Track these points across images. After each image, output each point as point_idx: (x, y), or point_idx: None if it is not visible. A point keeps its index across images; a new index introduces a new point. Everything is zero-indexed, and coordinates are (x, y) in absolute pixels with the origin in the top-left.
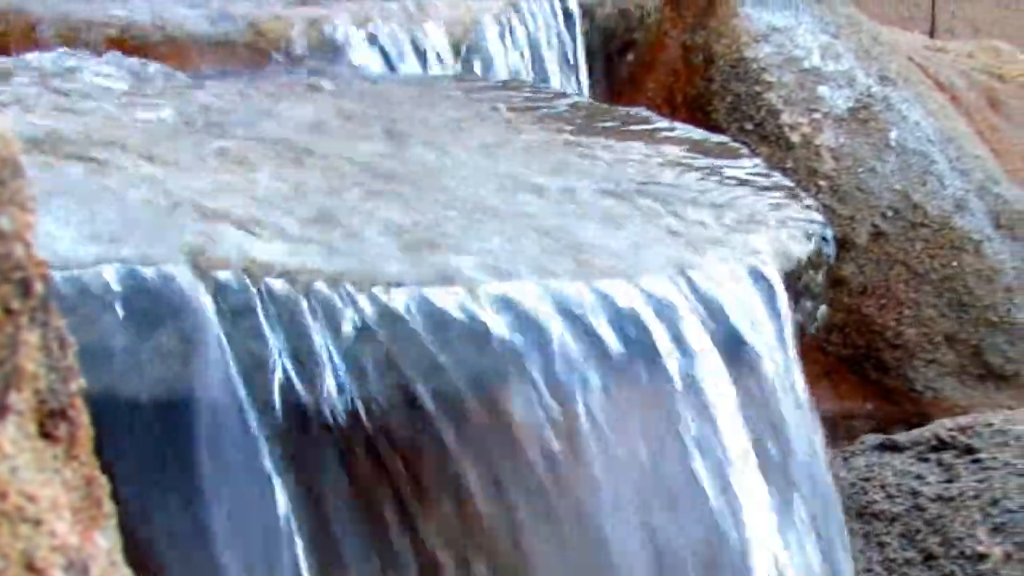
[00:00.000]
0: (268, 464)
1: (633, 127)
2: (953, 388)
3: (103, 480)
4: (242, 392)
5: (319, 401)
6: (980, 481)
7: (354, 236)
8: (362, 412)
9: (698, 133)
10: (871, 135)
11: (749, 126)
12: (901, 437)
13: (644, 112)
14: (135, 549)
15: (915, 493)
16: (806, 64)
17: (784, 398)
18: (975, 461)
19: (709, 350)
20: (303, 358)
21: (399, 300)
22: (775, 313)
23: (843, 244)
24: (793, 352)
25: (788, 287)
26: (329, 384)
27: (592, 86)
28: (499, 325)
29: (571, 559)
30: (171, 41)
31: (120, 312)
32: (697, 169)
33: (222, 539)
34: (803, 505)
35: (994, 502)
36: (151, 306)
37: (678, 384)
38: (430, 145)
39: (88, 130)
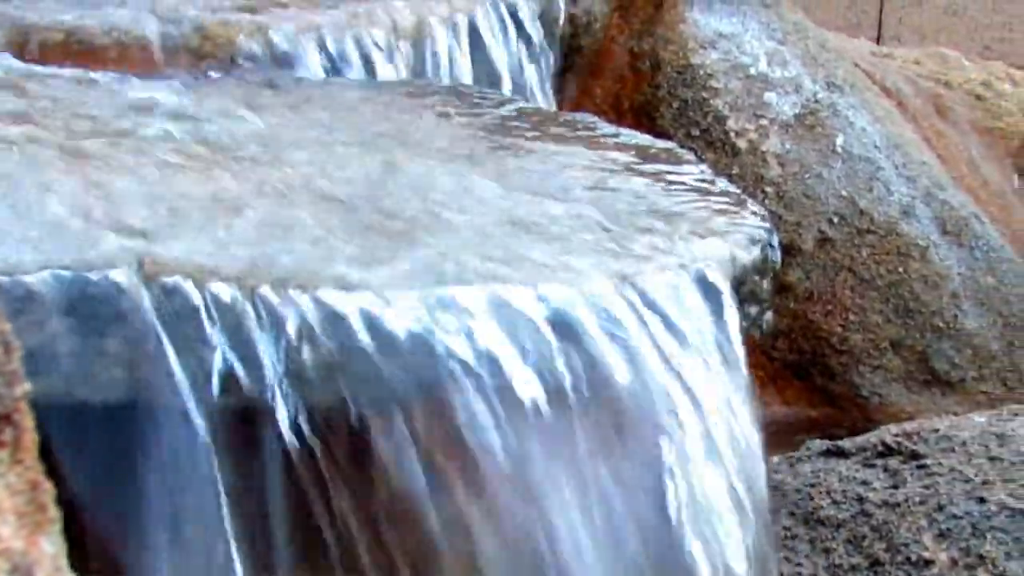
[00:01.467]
0: (212, 469)
1: (580, 133)
2: (899, 394)
3: (48, 485)
4: (186, 397)
5: (263, 406)
6: (926, 487)
7: (299, 242)
8: (305, 418)
9: (644, 139)
10: (817, 141)
11: (695, 132)
12: (847, 443)
13: (591, 118)
14: (81, 553)
15: (861, 499)
16: (753, 70)
17: (730, 402)
18: (921, 467)
19: (653, 356)
20: (248, 363)
21: (343, 306)
22: (721, 319)
23: (789, 250)
24: (742, 356)
25: (734, 293)
26: (273, 389)
27: (539, 92)
28: (442, 331)
29: (516, 565)
30: (118, 46)
31: (65, 317)
32: (643, 175)
33: (166, 543)
34: (745, 509)
35: (940, 508)
36: (96, 311)
37: (622, 389)
38: (374, 151)
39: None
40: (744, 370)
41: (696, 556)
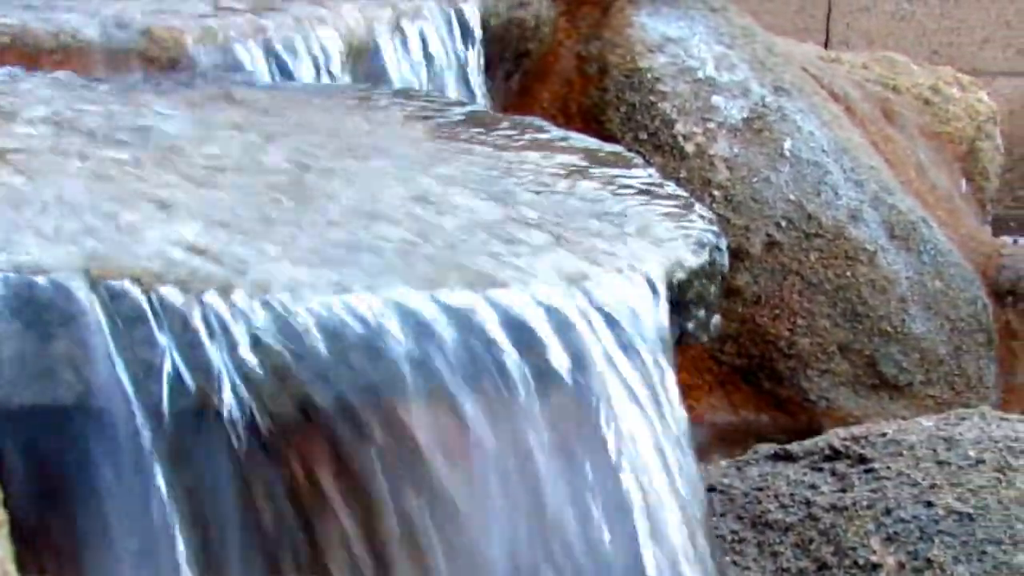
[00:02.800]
0: (160, 473)
1: (527, 136)
2: (847, 398)
3: None
4: (134, 401)
5: (212, 410)
6: (873, 491)
7: (246, 245)
8: (256, 422)
9: (592, 143)
10: (765, 145)
11: (643, 136)
12: (795, 447)
13: (539, 122)
14: (28, 556)
15: (809, 503)
16: (700, 74)
17: (663, 408)
18: (868, 471)
19: (602, 359)
20: (196, 367)
21: (292, 309)
22: (660, 322)
23: (737, 254)
24: (670, 362)
25: (681, 296)
26: (223, 393)
27: (487, 96)
28: (393, 335)
29: (468, 565)
30: (65, 49)
31: (10, 320)
32: (591, 179)
33: (113, 547)
34: (679, 512)
35: (887, 512)
36: (42, 315)
37: (571, 393)
38: (322, 155)
39: None
40: (671, 373)
41: (646, 556)
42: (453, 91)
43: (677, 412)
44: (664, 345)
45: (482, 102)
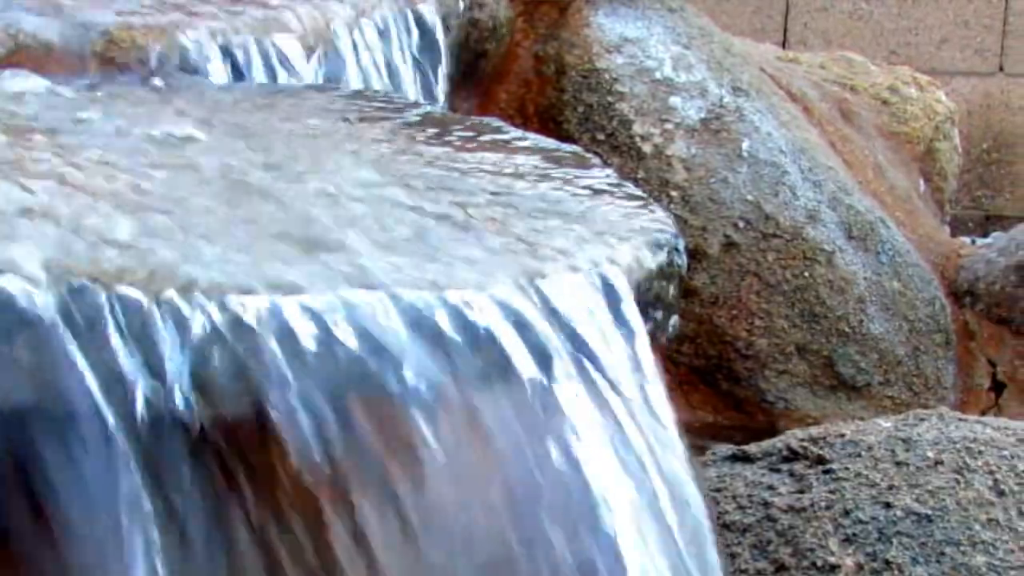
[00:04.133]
0: (121, 474)
1: (485, 137)
2: (804, 399)
3: None
4: (93, 402)
5: (170, 411)
6: (832, 492)
7: (204, 246)
8: (213, 423)
9: (550, 143)
10: (723, 146)
11: (601, 136)
12: (752, 448)
13: (496, 122)
14: None
15: (767, 504)
16: (658, 75)
17: (639, 409)
18: (827, 472)
19: (560, 361)
20: (154, 367)
21: (250, 309)
22: (624, 323)
23: (695, 254)
24: (649, 361)
25: (639, 297)
26: (180, 394)
27: (445, 96)
28: (348, 336)
29: (425, 568)
30: (24, 50)
31: None
32: (548, 179)
33: (73, 550)
34: (667, 514)
35: (846, 513)
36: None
37: (529, 395)
38: (278, 156)
39: None
40: (651, 371)
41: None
42: (412, 92)
43: (642, 411)
44: (627, 345)
45: (441, 103)
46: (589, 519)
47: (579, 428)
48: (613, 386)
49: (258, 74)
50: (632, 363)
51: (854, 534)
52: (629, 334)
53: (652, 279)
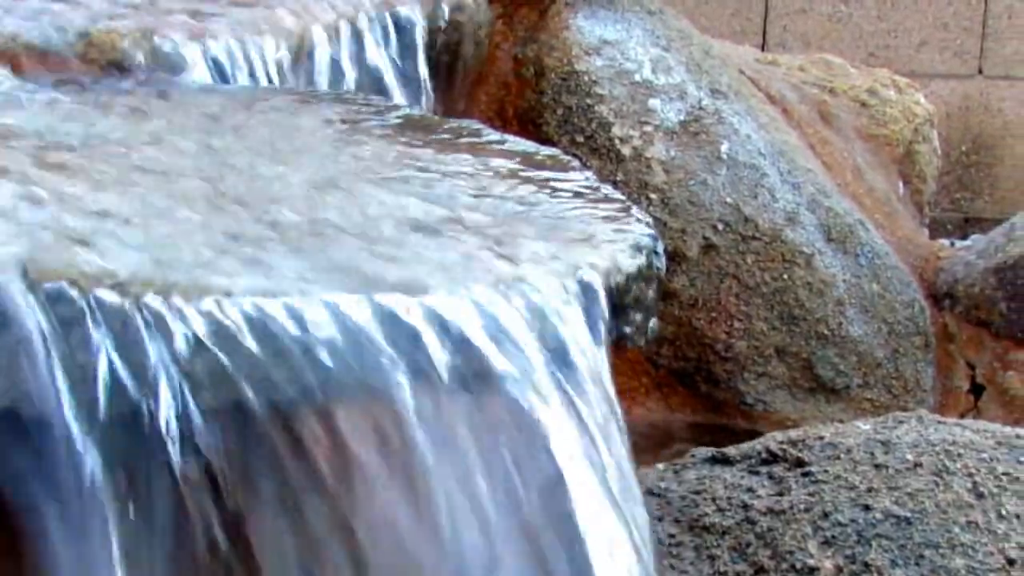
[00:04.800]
0: (98, 478)
1: (464, 140)
2: (784, 401)
3: None
4: (71, 405)
5: (150, 414)
6: (811, 494)
7: (185, 249)
8: (194, 426)
9: (529, 146)
10: (702, 148)
11: (580, 139)
12: (732, 450)
13: (476, 125)
14: None
15: (746, 506)
16: (637, 77)
17: (602, 411)
18: (806, 474)
19: (539, 364)
20: (134, 370)
21: (230, 312)
22: (597, 326)
23: (674, 257)
24: (606, 364)
25: (619, 300)
26: (161, 397)
27: (425, 99)
28: (330, 339)
29: (406, 564)
30: (2, 52)
31: None
32: (528, 182)
33: (50, 554)
34: (624, 516)
35: (825, 515)
36: None
37: (507, 398)
38: (259, 158)
39: None
40: (610, 384)
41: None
42: (391, 95)
43: (615, 416)
44: (602, 349)
45: (420, 106)
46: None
47: (555, 431)
48: (585, 391)
49: (239, 76)
50: (592, 368)
51: (833, 536)
52: (600, 337)
53: (631, 282)
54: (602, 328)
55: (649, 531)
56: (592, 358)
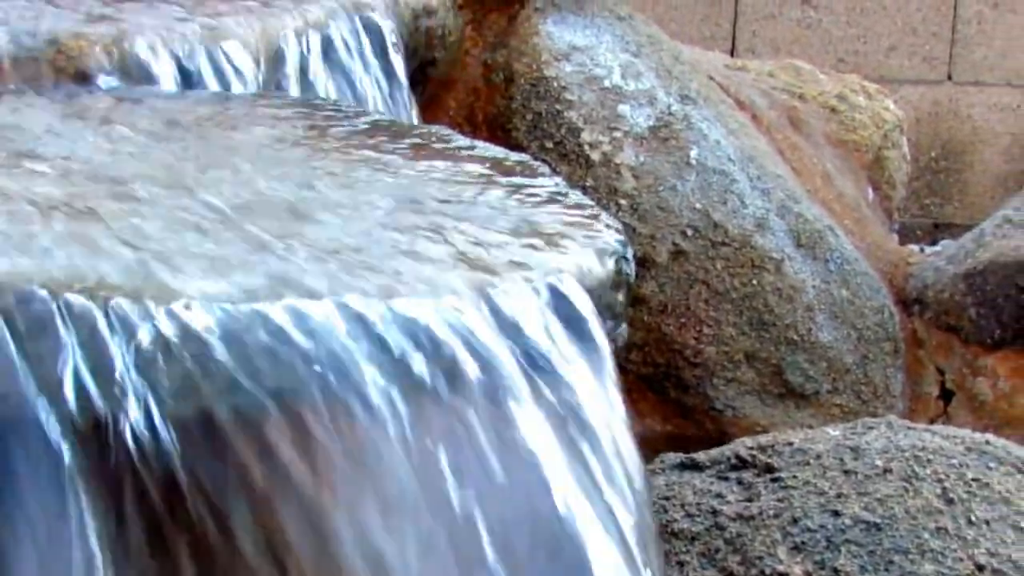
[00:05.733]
0: (66, 482)
1: (434, 145)
2: (753, 407)
3: None
4: (39, 409)
5: (117, 418)
6: (780, 500)
7: (152, 254)
8: (161, 430)
9: (499, 151)
10: (672, 154)
11: (549, 144)
12: (701, 456)
13: (445, 130)
14: None
15: (715, 512)
16: (607, 83)
17: (594, 415)
18: (775, 480)
19: (510, 370)
20: (101, 375)
21: (198, 317)
22: (580, 332)
23: (643, 263)
24: (610, 369)
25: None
26: (128, 401)
27: (394, 104)
28: (299, 343)
29: (375, 566)
30: None
31: None
32: (497, 187)
33: (16, 560)
34: (621, 519)
35: (794, 521)
36: None
37: (479, 404)
38: (227, 164)
39: None
40: (610, 383)
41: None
42: (361, 100)
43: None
44: (577, 354)
45: (393, 112)
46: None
47: (531, 439)
48: (565, 398)
49: (208, 82)
50: (588, 372)
51: (802, 542)
52: (583, 344)
53: (601, 288)
54: (594, 332)
55: (648, 533)
56: (568, 362)
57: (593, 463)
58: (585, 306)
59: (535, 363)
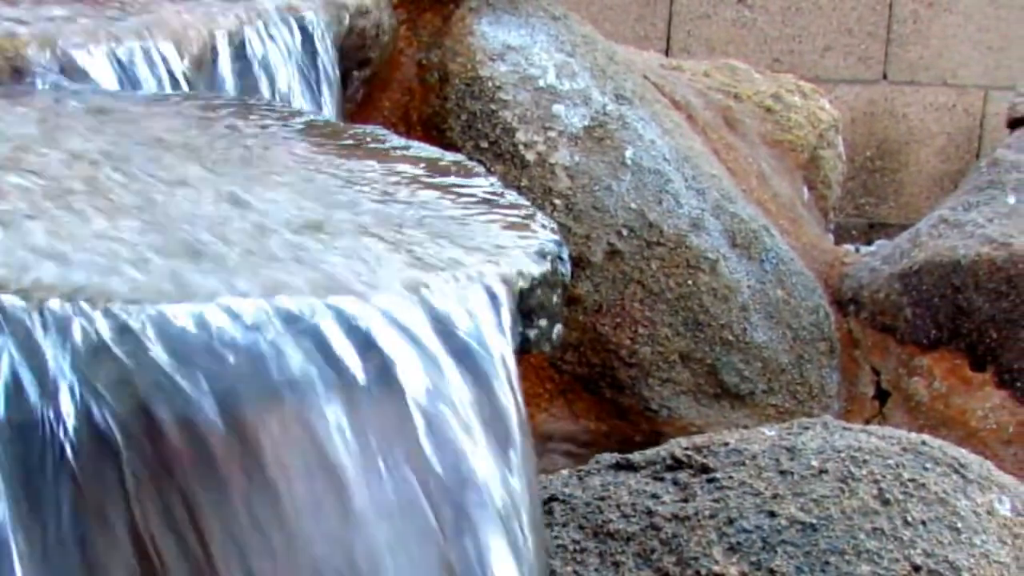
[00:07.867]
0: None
1: (369, 145)
2: (688, 407)
3: None
4: None
5: (52, 421)
6: (716, 500)
7: (87, 254)
8: (97, 432)
9: (433, 152)
10: (607, 153)
11: (484, 144)
12: (636, 456)
13: (380, 131)
14: None
15: (650, 512)
16: (541, 82)
17: (511, 416)
18: (711, 480)
19: (445, 367)
20: (37, 377)
21: (135, 317)
22: (503, 331)
23: (578, 263)
24: (514, 370)
25: (523, 306)
26: (63, 404)
27: (328, 104)
28: (235, 342)
29: (321, 566)
30: None
31: None
32: (432, 188)
33: None
34: (522, 517)
35: (730, 521)
36: None
37: (413, 402)
38: (159, 164)
39: None
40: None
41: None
42: (295, 100)
43: (519, 421)
44: (506, 354)
45: (324, 111)
46: (468, 523)
47: (462, 437)
48: (493, 395)
49: (144, 81)
50: (496, 374)
51: (738, 543)
52: (506, 341)
53: (535, 288)
54: (508, 333)
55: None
56: (497, 363)
57: (510, 465)
58: (512, 306)
59: (467, 363)
